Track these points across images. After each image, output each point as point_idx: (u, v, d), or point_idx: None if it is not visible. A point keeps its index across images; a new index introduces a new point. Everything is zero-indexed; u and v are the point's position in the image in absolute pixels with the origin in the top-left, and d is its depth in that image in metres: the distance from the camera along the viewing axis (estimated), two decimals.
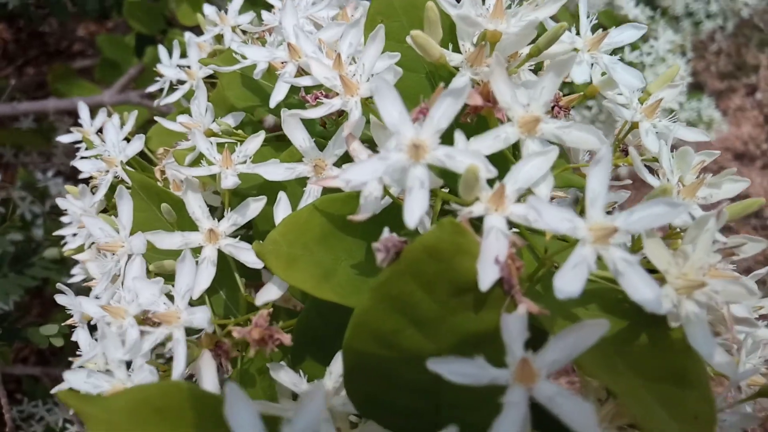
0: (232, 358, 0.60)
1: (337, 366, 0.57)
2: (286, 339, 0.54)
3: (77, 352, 0.71)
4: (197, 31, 1.04)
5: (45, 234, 2.13)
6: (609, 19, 2.51)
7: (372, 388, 0.49)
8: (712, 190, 0.52)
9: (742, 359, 0.60)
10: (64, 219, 1.03)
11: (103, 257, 0.68)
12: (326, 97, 0.60)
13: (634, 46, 2.40)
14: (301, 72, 0.67)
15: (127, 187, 0.83)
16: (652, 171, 0.55)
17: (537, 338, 0.45)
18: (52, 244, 2.02)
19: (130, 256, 0.61)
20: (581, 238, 0.41)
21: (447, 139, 0.48)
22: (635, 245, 0.50)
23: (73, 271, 1.02)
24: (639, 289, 0.39)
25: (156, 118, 0.88)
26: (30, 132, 2.46)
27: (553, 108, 0.64)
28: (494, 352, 0.44)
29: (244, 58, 0.72)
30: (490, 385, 0.42)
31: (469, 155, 0.44)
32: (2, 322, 1.63)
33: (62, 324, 0.90)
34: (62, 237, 1.00)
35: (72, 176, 2.29)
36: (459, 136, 0.46)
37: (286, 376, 0.58)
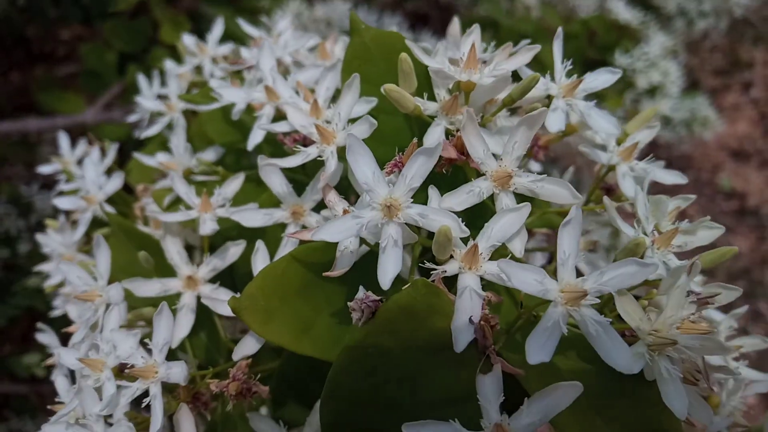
0: (211, 408, 0.60)
1: (315, 418, 0.57)
2: (265, 392, 0.54)
3: (56, 399, 0.70)
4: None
5: (27, 256, 2.10)
6: (601, 24, 2.51)
7: None
8: (688, 237, 0.53)
9: (723, 401, 0.60)
10: (44, 250, 1.02)
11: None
12: (303, 140, 0.60)
13: (625, 50, 2.40)
14: (280, 112, 0.67)
15: (106, 223, 0.83)
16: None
17: (516, 392, 0.45)
18: (31, 269, 2.00)
19: (108, 306, 0.60)
20: (553, 300, 0.41)
21: (423, 189, 0.49)
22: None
23: (55, 302, 1.01)
24: (610, 353, 0.40)
25: (135, 154, 0.88)
26: (14, 144, 2.44)
27: (532, 148, 0.65)
28: (472, 410, 0.44)
29: (221, 96, 0.71)
30: None
31: (441, 214, 0.44)
32: None
33: (42, 364, 0.89)
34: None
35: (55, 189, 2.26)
36: (433, 192, 0.46)
37: (265, 427, 0.57)
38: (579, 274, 0.43)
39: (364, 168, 0.44)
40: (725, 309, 0.67)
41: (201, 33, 2.45)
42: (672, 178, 0.59)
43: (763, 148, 3.78)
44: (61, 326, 0.97)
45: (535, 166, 0.71)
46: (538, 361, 0.39)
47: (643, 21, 2.56)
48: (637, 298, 0.51)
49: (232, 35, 1.09)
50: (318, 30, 2.02)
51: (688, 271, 0.46)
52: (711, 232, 0.53)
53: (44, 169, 1.05)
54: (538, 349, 0.39)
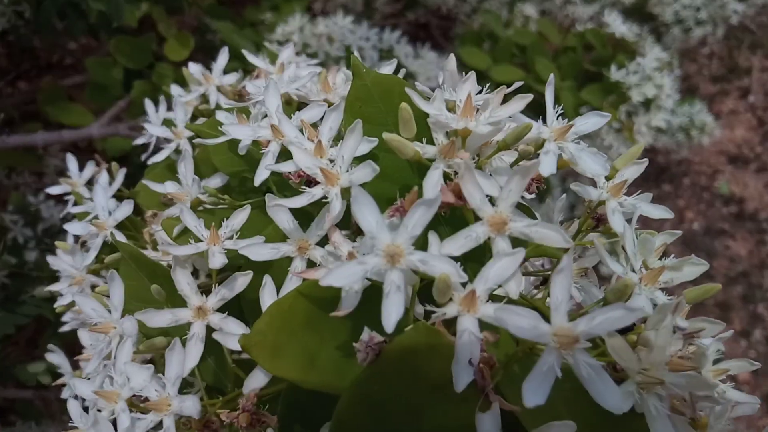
0: None
1: None
2: (273, 421, 0.57)
3: (70, 424, 0.73)
4: (184, 65, 1.06)
5: (35, 265, 2.13)
6: (596, 38, 2.54)
7: None
8: (674, 273, 0.56)
9: (710, 423, 0.63)
10: (54, 268, 1.05)
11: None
12: (308, 177, 0.63)
13: (620, 65, 2.43)
14: (285, 147, 0.69)
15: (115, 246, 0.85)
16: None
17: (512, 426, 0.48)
18: (40, 277, 2.02)
19: (121, 337, 0.63)
20: (547, 344, 0.44)
21: (423, 233, 0.51)
22: None
23: (65, 318, 1.04)
24: (604, 395, 0.43)
25: (144, 181, 0.91)
26: (21, 153, 2.47)
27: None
28: None
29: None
30: None
31: (441, 261, 0.46)
32: None
33: (53, 384, 0.91)
34: (53, 271, 1.01)
35: (63, 198, 2.29)
36: (433, 238, 0.49)
37: None
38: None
39: (368, 217, 0.47)
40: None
41: (205, 45, 2.47)
42: (659, 212, 0.62)
43: (762, 153, 3.81)
44: (68, 336, 1.00)
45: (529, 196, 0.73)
46: (534, 405, 0.42)
47: (638, 34, 2.59)
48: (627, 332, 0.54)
49: (235, 52, 1.11)
50: (319, 45, 2.05)
51: (673, 309, 0.48)
52: (696, 268, 0.56)
53: (53, 190, 1.07)
54: (534, 393, 0.42)
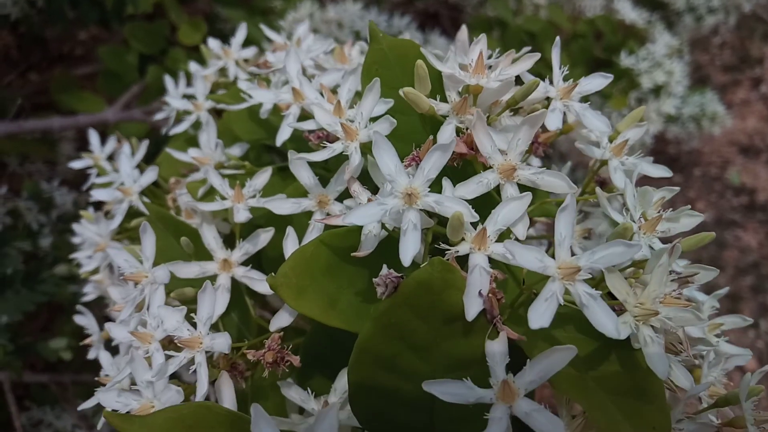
0: (246, 377, 0.67)
1: (341, 383, 0.64)
2: (296, 361, 0.61)
3: (101, 373, 0.78)
4: (197, 51, 1.10)
5: (53, 246, 2.18)
6: (607, 24, 2.56)
7: (374, 406, 0.55)
8: (671, 224, 0.59)
9: (704, 372, 0.67)
10: (74, 240, 1.09)
11: (125, 284, 0.74)
12: (327, 137, 0.67)
13: (630, 51, 2.45)
14: (305, 112, 0.73)
15: (141, 214, 0.90)
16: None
17: (519, 359, 0.52)
18: (58, 258, 2.08)
19: (153, 285, 0.67)
20: (551, 275, 0.47)
21: (437, 181, 0.55)
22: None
23: (86, 289, 1.08)
24: (600, 319, 0.46)
25: (167, 149, 0.95)
26: (34, 141, 2.51)
27: (533, 144, 0.71)
28: (481, 373, 0.51)
29: (250, 97, 0.78)
30: (477, 403, 0.49)
31: (454, 202, 0.50)
32: (14, 338, 1.69)
33: (78, 345, 0.95)
34: (71, 252, 1.06)
35: (76, 185, 2.33)
36: (446, 183, 0.53)
37: (295, 394, 0.64)
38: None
39: (388, 161, 0.51)
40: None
41: (216, 33, 2.52)
42: (658, 171, 0.65)
43: None
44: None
45: (535, 161, 0.77)
46: (538, 326, 0.45)
47: (649, 21, 2.60)
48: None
49: (248, 36, 1.15)
50: (329, 31, 2.09)
51: (669, 252, 0.52)
52: (692, 219, 0.60)
53: (76, 164, 1.11)
54: (539, 317, 0.46)
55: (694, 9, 3.00)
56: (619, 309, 0.54)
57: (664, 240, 0.59)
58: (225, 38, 2.49)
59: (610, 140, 0.67)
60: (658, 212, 0.60)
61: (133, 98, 2.15)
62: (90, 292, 1.07)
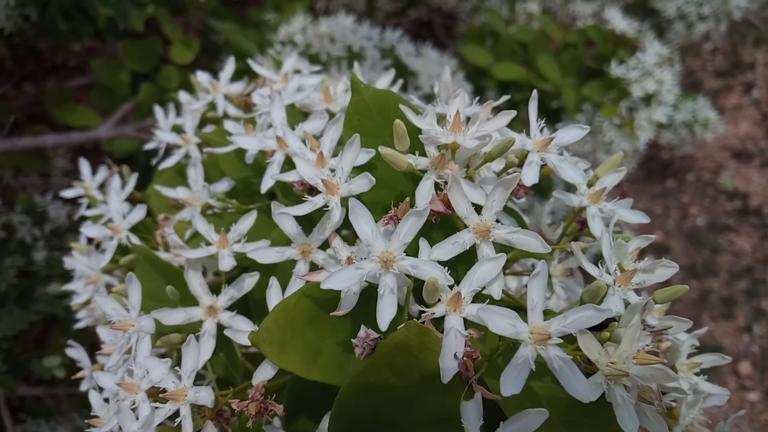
0: (231, 423, 0.68)
1: (323, 426, 0.65)
2: (280, 410, 0.62)
3: (92, 413, 0.79)
4: (189, 68, 1.11)
5: (46, 263, 2.18)
6: (597, 34, 2.57)
7: None
8: (647, 275, 0.61)
9: (682, 413, 0.68)
10: (66, 266, 1.10)
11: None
12: (310, 186, 0.68)
13: (621, 60, 2.46)
14: (290, 157, 0.75)
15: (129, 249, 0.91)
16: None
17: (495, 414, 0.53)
18: (51, 275, 2.08)
19: (139, 334, 0.68)
20: (523, 341, 0.49)
21: (415, 240, 0.57)
22: None
23: (79, 315, 1.09)
24: (572, 384, 0.48)
25: (156, 186, 0.96)
26: (28, 154, 2.52)
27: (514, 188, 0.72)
28: (457, 428, 0.52)
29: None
30: None
31: (430, 266, 0.52)
32: (7, 357, 1.69)
33: (72, 378, 0.97)
34: (64, 270, 1.07)
35: (70, 198, 2.34)
36: (423, 244, 0.54)
37: None
38: (546, 314, 0.51)
39: (364, 227, 0.52)
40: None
41: (210, 46, 2.51)
42: (636, 217, 0.67)
43: (766, 148, 3.83)
44: (79, 334, 1.05)
45: (520, 201, 0.78)
46: (509, 394, 0.47)
47: (639, 30, 2.61)
48: (602, 328, 0.59)
49: (240, 52, 1.16)
50: (321, 46, 2.10)
51: (642, 310, 0.53)
52: (667, 270, 0.61)
53: (67, 194, 1.12)
54: (511, 383, 0.47)
55: (685, 16, 3.01)
56: (592, 363, 0.55)
57: (641, 291, 0.60)
58: (218, 51, 2.48)
59: (589, 185, 0.68)
60: (634, 262, 0.61)
61: (126, 114, 2.16)
62: (83, 318, 1.08)
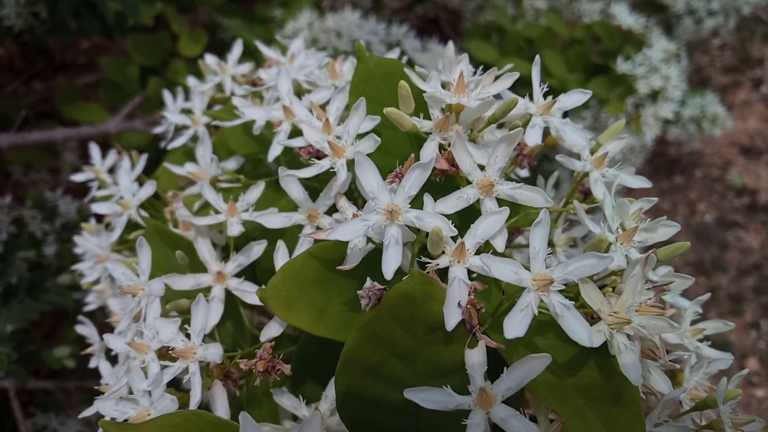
0: (239, 385, 0.69)
1: (331, 391, 0.66)
2: (287, 369, 0.63)
3: (102, 382, 0.80)
4: (197, 62, 1.13)
5: (56, 255, 2.20)
6: (604, 30, 2.58)
7: (362, 412, 0.57)
8: (648, 234, 0.61)
9: (686, 376, 0.69)
10: (77, 250, 1.12)
11: (124, 295, 0.77)
12: (317, 153, 0.69)
13: (627, 57, 2.46)
14: (296, 128, 0.76)
15: (141, 226, 0.92)
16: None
17: (501, 365, 0.54)
18: (62, 267, 2.10)
19: (149, 298, 0.70)
20: (526, 287, 0.50)
21: (419, 196, 0.58)
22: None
23: (88, 299, 1.11)
24: (574, 328, 0.49)
25: (165, 164, 0.97)
26: (38, 150, 2.55)
27: (517, 156, 0.73)
28: (461, 379, 0.53)
29: (244, 114, 0.81)
30: (457, 409, 0.51)
31: (434, 217, 0.53)
32: (19, 346, 1.71)
33: (81, 353, 0.98)
34: (74, 261, 1.08)
35: (80, 193, 2.36)
36: (428, 199, 0.55)
37: (287, 401, 0.66)
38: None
39: (370, 179, 0.53)
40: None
41: (217, 42, 2.54)
42: (638, 182, 0.67)
43: None
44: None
45: (522, 172, 0.79)
46: (513, 336, 0.48)
47: (645, 26, 2.62)
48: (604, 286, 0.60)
49: (247, 48, 1.17)
50: (328, 40, 2.12)
51: (643, 263, 0.54)
52: (668, 229, 0.62)
53: (77, 177, 1.14)
54: (514, 327, 0.48)
55: (694, 12, 3.01)
56: (594, 317, 0.56)
57: (642, 250, 0.61)
58: (226, 47, 2.51)
59: (592, 152, 0.69)
60: (636, 223, 0.62)
61: (135, 108, 2.18)
62: (92, 302, 1.10)
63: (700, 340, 0.72)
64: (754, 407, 2.96)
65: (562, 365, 0.57)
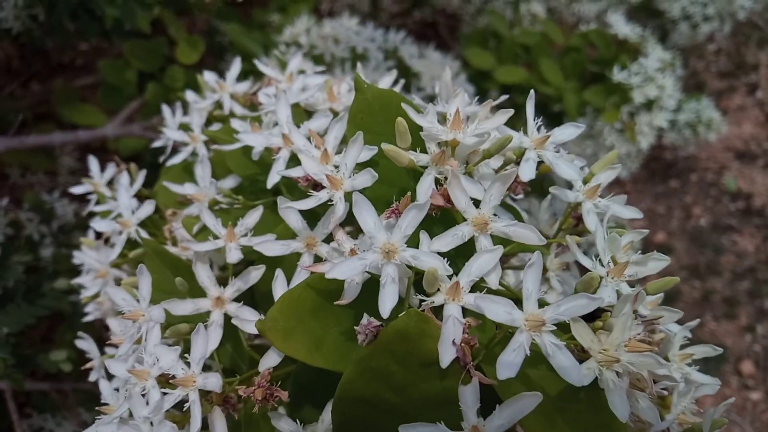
0: (238, 409, 0.70)
1: (328, 415, 0.68)
2: (284, 396, 0.65)
3: (102, 401, 0.81)
4: (195, 68, 1.13)
5: (53, 258, 2.21)
6: (600, 38, 2.59)
7: None
8: (639, 268, 0.63)
9: (674, 401, 0.70)
10: (75, 261, 1.12)
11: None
12: (314, 182, 0.70)
13: (623, 66, 2.47)
14: (294, 155, 0.77)
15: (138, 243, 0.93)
16: None
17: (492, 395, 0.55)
18: (58, 271, 2.11)
19: (150, 324, 0.71)
20: (518, 327, 0.51)
21: (416, 232, 0.59)
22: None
23: (87, 309, 1.12)
24: (565, 368, 0.50)
25: (163, 183, 0.98)
26: (36, 152, 2.56)
27: (512, 184, 0.75)
28: (455, 412, 0.54)
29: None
30: None
31: (430, 257, 0.54)
32: (15, 350, 1.72)
33: (80, 366, 0.99)
34: (71, 266, 1.09)
35: (77, 196, 2.37)
36: (423, 236, 0.57)
37: (285, 425, 0.68)
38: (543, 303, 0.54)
39: (367, 219, 0.55)
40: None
41: (215, 47, 2.53)
42: (630, 213, 0.69)
43: None
44: (86, 328, 1.07)
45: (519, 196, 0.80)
46: (505, 377, 0.49)
47: (641, 35, 2.63)
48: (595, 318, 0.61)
49: (245, 53, 1.18)
50: (326, 47, 2.12)
51: (633, 300, 0.56)
52: (658, 263, 0.63)
53: (77, 190, 1.15)
54: (506, 367, 0.49)
55: (690, 17, 3.03)
56: (586, 351, 0.58)
57: (633, 282, 0.62)
58: (223, 53, 2.50)
59: (585, 182, 0.71)
60: (627, 256, 0.63)
61: (133, 113, 2.18)
62: (91, 312, 1.11)
63: (689, 365, 0.74)
64: (749, 410, 3.00)
65: (553, 397, 0.58)
